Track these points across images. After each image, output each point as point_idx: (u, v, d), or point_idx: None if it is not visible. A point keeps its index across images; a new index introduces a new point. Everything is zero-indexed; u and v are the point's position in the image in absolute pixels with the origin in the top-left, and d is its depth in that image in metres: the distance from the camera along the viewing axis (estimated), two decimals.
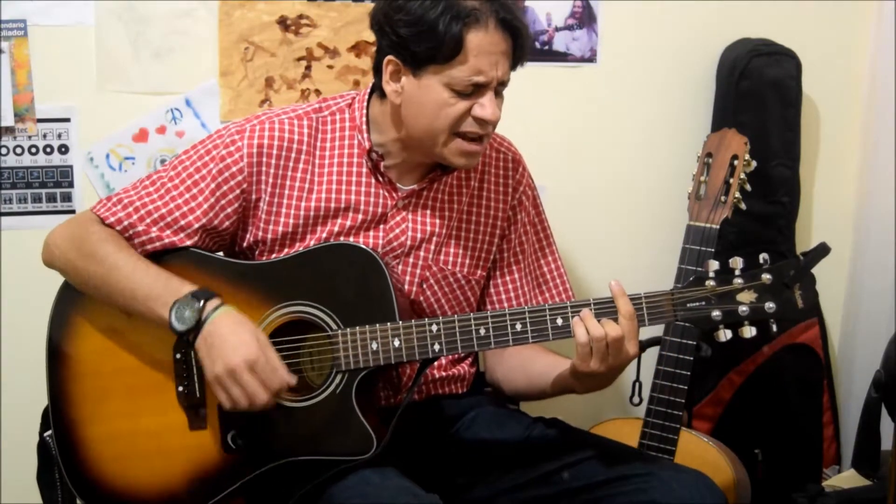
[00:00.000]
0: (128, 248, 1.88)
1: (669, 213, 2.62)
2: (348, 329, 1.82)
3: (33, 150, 2.46)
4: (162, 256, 1.91)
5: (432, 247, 1.99)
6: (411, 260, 1.98)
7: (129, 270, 1.84)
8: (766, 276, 1.70)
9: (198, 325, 1.77)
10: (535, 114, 2.63)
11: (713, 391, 2.72)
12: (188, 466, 1.86)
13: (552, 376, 1.91)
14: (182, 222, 1.90)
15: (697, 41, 2.71)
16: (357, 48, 2.55)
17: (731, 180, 2.29)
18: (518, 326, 1.77)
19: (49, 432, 1.94)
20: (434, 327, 1.79)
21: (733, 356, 2.71)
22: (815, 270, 1.72)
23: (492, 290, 2.09)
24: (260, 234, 1.94)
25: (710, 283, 1.72)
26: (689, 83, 2.73)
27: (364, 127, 1.94)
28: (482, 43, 1.79)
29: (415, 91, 1.84)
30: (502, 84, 1.86)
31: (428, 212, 1.99)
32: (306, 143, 1.94)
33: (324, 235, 1.94)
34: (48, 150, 2.46)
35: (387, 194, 1.96)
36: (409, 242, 1.97)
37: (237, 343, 1.76)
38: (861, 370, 2.76)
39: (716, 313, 1.72)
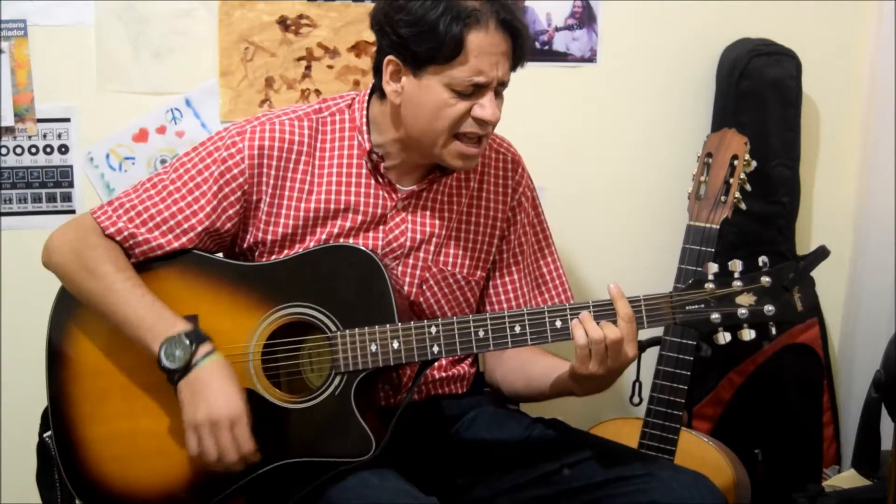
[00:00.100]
0: (126, 267, 1.87)
1: (669, 213, 2.62)
2: (347, 331, 1.82)
3: (33, 150, 2.46)
4: (163, 258, 1.91)
5: (432, 248, 1.99)
6: (411, 261, 1.98)
7: (125, 295, 1.83)
8: (766, 279, 1.70)
9: (186, 368, 1.78)
10: (535, 114, 2.63)
11: (713, 391, 2.72)
12: (188, 467, 1.86)
13: (551, 378, 1.91)
14: (185, 225, 1.90)
15: (697, 41, 2.71)
16: (357, 48, 2.55)
17: (731, 180, 2.29)
18: (517, 328, 1.77)
19: (48, 433, 1.94)
20: (433, 329, 1.79)
21: (733, 356, 2.71)
22: (815, 270, 1.72)
23: (491, 292, 2.09)
24: (260, 234, 1.94)
25: (710, 285, 1.72)
26: (689, 83, 2.73)
27: (364, 128, 1.94)
28: (483, 43, 1.79)
29: (415, 91, 1.84)
30: (502, 85, 1.86)
31: (427, 213, 1.99)
32: (306, 144, 1.94)
33: (323, 237, 1.94)
34: (48, 150, 2.47)
35: (386, 195, 1.96)
36: (408, 243, 1.97)
37: (224, 397, 1.77)
38: (861, 370, 2.76)
39: (715, 316, 1.72)
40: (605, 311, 1.74)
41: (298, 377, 1.89)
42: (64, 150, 2.47)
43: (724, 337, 1.73)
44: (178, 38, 2.48)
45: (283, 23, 2.51)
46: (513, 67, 1.87)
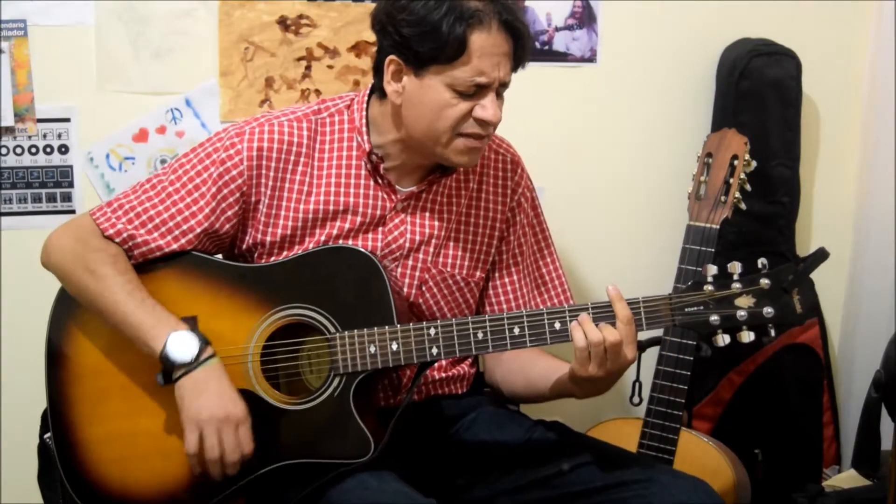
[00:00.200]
0: (125, 270, 1.87)
1: (669, 213, 2.62)
2: (346, 332, 1.82)
3: (33, 150, 2.46)
4: (162, 260, 1.91)
5: (431, 249, 1.99)
6: (410, 262, 1.98)
7: (125, 298, 1.83)
8: (765, 281, 1.70)
9: (192, 364, 1.78)
10: (535, 114, 2.63)
11: (713, 391, 2.72)
12: (187, 468, 1.86)
13: (551, 380, 1.90)
14: (184, 226, 1.90)
15: (697, 41, 2.71)
16: (357, 48, 2.55)
17: (731, 180, 2.29)
18: (516, 330, 1.77)
19: (48, 434, 1.94)
20: (432, 331, 1.79)
21: (733, 356, 2.71)
22: (815, 271, 1.72)
23: (490, 293, 2.09)
24: (259, 236, 1.94)
25: (709, 287, 1.72)
26: (689, 83, 2.73)
27: (364, 129, 1.94)
28: (485, 44, 1.79)
29: (416, 91, 1.84)
30: (503, 85, 1.86)
31: (427, 214, 1.99)
32: (305, 145, 1.94)
33: (322, 238, 1.94)
34: (48, 150, 2.47)
35: (386, 196, 1.96)
36: (407, 245, 1.97)
37: (230, 397, 1.79)
38: (861, 370, 2.76)
39: (714, 318, 1.71)
40: (603, 313, 1.74)
41: (297, 378, 1.89)
42: (64, 150, 2.47)
43: (723, 339, 1.73)
44: (178, 38, 2.48)
45: (283, 23, 2.51)
46: (514, 68, 1.87)
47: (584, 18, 2.65)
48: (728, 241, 2.65)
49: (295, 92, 2.54)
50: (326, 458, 1.80)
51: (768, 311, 1.70)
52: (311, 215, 1.93)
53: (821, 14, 2.75)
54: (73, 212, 2.47)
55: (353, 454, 1.79)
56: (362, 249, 1.86)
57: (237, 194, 1.91)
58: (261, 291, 1.87)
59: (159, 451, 1.87)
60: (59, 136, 2.46)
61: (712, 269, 1.72)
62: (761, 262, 1.72)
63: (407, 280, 1.98)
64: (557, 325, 1.75)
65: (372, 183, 1.95)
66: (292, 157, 1.93)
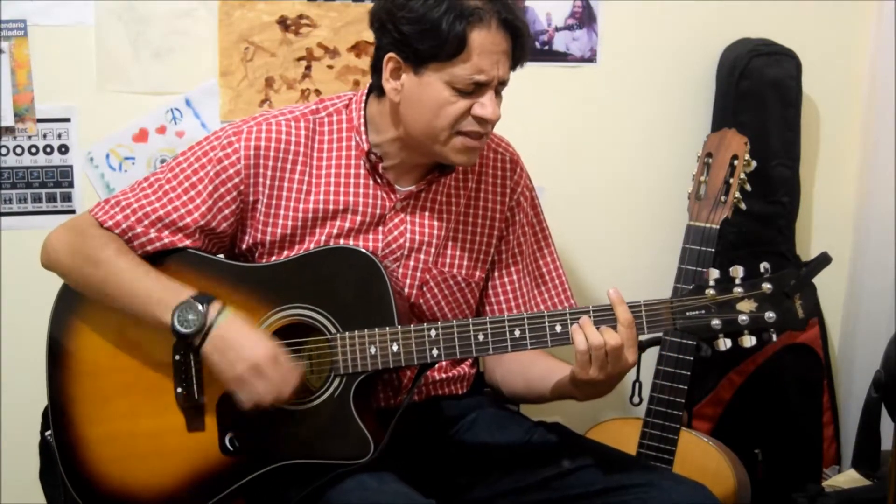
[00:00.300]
0: (126, 251, 1.88)
1: (669, 213, 2.62)
2: (347, 333, 1.82)
3: (33, 150, 2.46)
4: (161, 258, 1.91)
5: (432, 249, 1.99)
6: (411, 263, 1.98)
7: (128, 275, 1.84)
8: (767, 286, 1.70)
9: (202, 330, 1.77)
10: (535, 114, 2.63)
11: (713, 391, 2.72)
12: (186, 468, 1.86)
13: (551, 382, 1.90)
14: (180, 224, 1.90)
15: (697, 41, 2.71)
16: (357, 48, 2.55)
17: (731, 180, 2.29)
18: (517, 332, 1.76)
19: (49, 432, 1.94)
20: (433, 332, 1.79)
21: (733, 356, 2.67)
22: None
23: (490, 292, 2.09)
24: (259, 235, 1.94)
25: (710, 291, 1.71)
26: (689, 83, 2.73)
27: (362, 128, 1.94)
28: (485, 42, 1.79)
29: (415, 89, 1.84)
30: (502, 84, 1.86)
31: (426, 213, 1.99)
32: (303, 144, 1.94)
33: (323, 238, 1.94)
34: (48, 150, 2.46)
35: (385, 196, 1.96)
36: (407, 244, 1.97)
37: (253, 341, 1.77)
38: (861, 370, 2.76)
39: (715, 322, 1.71)
40: (605, 316, 1.74)
41: None
42: (64, 150, 2.47)
43: (724, 343, 1.72)
44: (178, 38, 2.48)
45: (283, 23, 2.51)
46: (513, 67, 1.87)
47: (584, 18, 2.65)
48: (728, 241, 2.65)
49: (295, 92, 2.54)
50: (326, 459, 1.80)
51: (770, 315, 1.70)
52: (310, 214, 1.93)
53: (821, 14, 2.75)
54: (72, 212, 2.47)
55: (353, 455, 1.79)
56: (363, 250, 1.86)
57: (234, 193, 1.91)
58: (262, 291, 1.87)
59: (158, 451, 1.88)
60: (59, 136, 2.46)
61: (714, 273, 1.72)
62: (763, 266, 1.71)
63: (408, 280, 1.98)
64: (558, 328, 1.75)
65: (371, 182, 1.95)
66: (290, 157, 1.93)
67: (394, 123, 1.91)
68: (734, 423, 2.70)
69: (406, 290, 1.98)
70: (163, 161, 2.49)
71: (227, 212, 1.92)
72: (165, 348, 1.86)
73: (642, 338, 1.79)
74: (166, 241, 1.90)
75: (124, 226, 1.89)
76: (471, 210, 2.04)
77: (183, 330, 1.78)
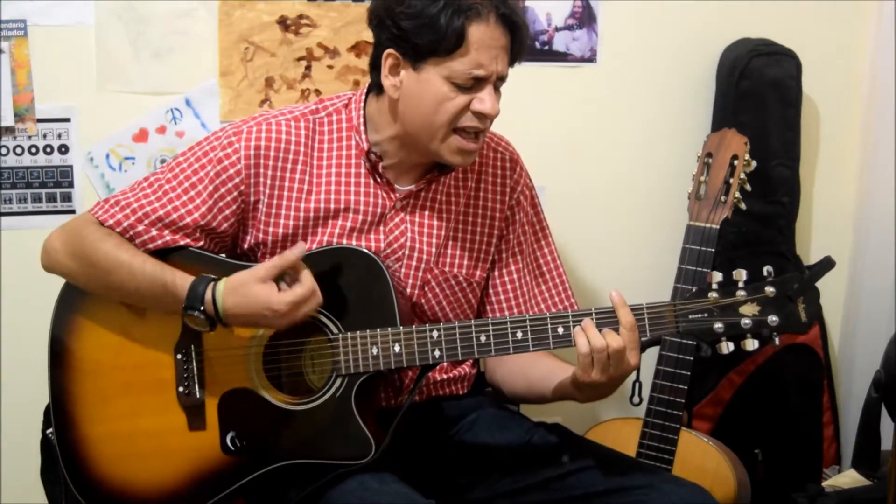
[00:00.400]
0: (124, 244, 1.88)
1: (669, 213, 2.62)
2: (349, 333, 1.82)
3: (33, 150, 2.46)
4: (164, 256, 1.90)
5: (433, 249, 1.99)
6: (413, 263, 1.98)
7: (127, 270, 1.84)
8: (770, 289, 1.70)
9: (217, 317, 1.79)
10: (535, 114, 2.63)
11: (713, 391, 2.72)
12: (187, 467, 1.86)
13: (552, 383, 1.90)
14: (180, 224, 1.90)
15: (697, 41, 2.71)
16: (357, 48, 2.55)
17: (731, 180, 2.29)
18: (519, 334, 1.76)
19: (51, 429, 1.94)
20: (435, 333, 1.79)
21: (733, 356, 2.69)
22: None
23: (490, 291, 2.09)
24: (260, 235, 1.94)
25: (713, 294, 1.71)
26: (689, 83, 2.73)
27: (361, 127, 1.94)
28: (483, 37, 1.80)
29: (414, 85, 1.84)
30: (501, 79, 1.87)
31: (426, 213, 1.99)
32: (304, 144, 1.94)
33: (325, 238, 1.94)
34: (48, 150, 2.46)
35: (385, 195, 1.96)
36: (408, 244, 1.97)
37: (259, 280, 1.77)
38: (861, 370, 2.76)
39: (718, 325, 1.71)
40: (607, 319, 1.74)
41: (299, 378, 1.89)
42: (64, 150, 2.47)
43: (727, 346, 1.73)
44: (178, 38, 2.48)
45: (283, 23, 2.51)
46: (511, 63, 1.87)
47: (584, 18, 2.65)
48: (728, 241, 2.65)
49: (295, 92, 2.54)
50: (327, 459, 1.81)
51: (773, 319, 1.70)
52: (311, 214, 1.93)
53: (821, 14, 2.75)
54: (72, 212, 2.47)
55: (354, 455, 1.79)
56: (366, 250, 1.87)
57: (234, 193, 1.91)
58: None
59: (159, 450, 1.88)
60: (59, 136, 2.46)
61: (717, 276, 1.72)
62: (767, 269, 1.71)
63: (410, 280, 1.98)
64: (561, 330, 1.75)
65: (371, 181, 1.95)
66: (290, 157, 1.93)
67: (392, 121, 1.91)
68: (734, 423, 2.70)
69: (408, 289, 1.98)
70: (163, 161, 2.48)
71: (227, 212, 1.92)
72: (167, 347, 1.87)
73: (642, 339, 1.79)
74: (167, 239, 1.90)
75: (125, 224, 1.89)
76: (471, 209, 2.04)
77: (203, 329, 1.81)
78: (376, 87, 1.92)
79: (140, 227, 1.89)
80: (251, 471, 1.84)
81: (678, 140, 2.72)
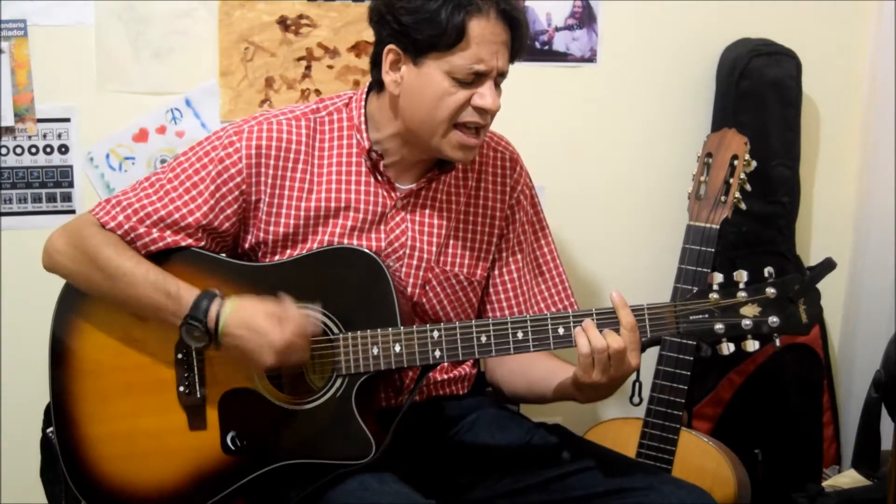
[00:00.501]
0: (126, 250, 1.88)
1: (669, 213, 2.62)
2: (350, 333, 1.82)
3: (33, 150, 2.46)
4: (164, 257, 1.90)
5: (434, 248, 1.99)
6: (414, 262, 1.98)
7: (129, 279, 1.84)
8: (771, 290, 1.69)
9: (215, 336, 1.79)
10: (535, 114, 2.63)
11: (713, 391, 2.72)
12: (188, 466, 1.86)
13: (553, 383, 1.90)
14: (182, 223, 1.90)
15: (697, 41, 2.71)
16: (357, 48, 2.55)
17: (731, 180, 2.29)
18: (519, 335, 1.77)
19: (51, 429, 1.94)
20: (435, 334, 1.79)
21: (733, 356, 2.69)
22: None
23: (491, 290, 2.09)
24: (261, 234, 1.94)
25: (714, 295, 1.71)
26: (689, 83, 2.73)
27: (363, 126, 1.95)
28: (484, 32, 1.80)
29: (415, 80, 1.84)
30: (501, 75, 1.87)
31: (427, 212, 1.99)
32: (305, 143, 1.94)
33: (326, 237, 1.94)
34: (48, 150, 2.46)
35: (385, 194, 1.96)
36: (409, 243, 1.97)
37: (264, 311, 1.77)
38: (861, 370, 2.77)
39: (718, 326, 1.71)
40: (607, 319, 1.74)
41: (300, 378, 1.89)
42: (64, 150, 2.47)
43: (727, 347, 1.72)
44: (178, 38, 2.48)
45: (283, 23, 2.51)
46: (511, 59, 1.87)
47: (584, 18, 2.65)
48: (728, 241, 2.65)
49: (295, 92, 2.54)
50: (327, 459, 1.81)
51: (773, 320, 1.70)
52: (312, 213, 1.93)
53: (821, 14, 2.75)
54: (72, 212, 2.47)
55: (354, 455, 1.79)
56: (366, 250, 1.87)
57: (236, 192, 1.91)
58: (265, 291, 1.85)
59: (160, 450, 1.88)
60: (59, 136, 2.46)
61: (718, 277, 1.72)
62: (768, 270, 1.71)
63: (411, 280, 1.98)
64: (561, 331, 1.75)
65: (372, 180, 1.95)
66: (291, 156, 1.93)
67: (393, 118, 1.91)
68: (734, 423, 2.70)
69: (409, 289, 1.98)
70: (163, 161, 2.48)
71: (228, 211, 1.92)
72: (168, 347, 1.87)
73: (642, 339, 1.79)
74: (169, 240, 1.90)
75: (126, 227, 1.89)
76: (471, 208, 2.04)
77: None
78: (377, 85, 1.93)
79: (141, 229, 1.89)
80: (251, 470, 1.84)
81: (678, 140, 2.72)
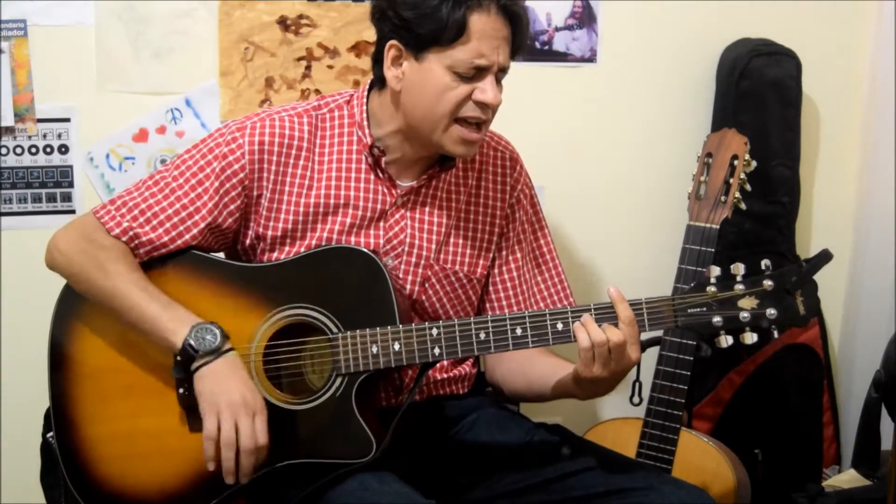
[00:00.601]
0: (136, 268, 1.88)
1: (669, 213, 2.62)
2: (349, 332, 1.82)
3: (33, 150, 2.46)
4: (163, 260, 1.91)
5: (433, 246, 1.99)
6: (413, 259, 1.98)
7: (139, 294, 1.84)
8: (768, 283, 1.70)
9: (214, 353, 1.79)
10: (535, 114, 2.64)
11: (713, 391, 2.72)
12: (188, 468, 1.86)
13: (552, 380, 1.91)
14: (188, 222, 1.90)
15: (697, 41, 2.71)
16: (357, 48, 2.55)
17: (731, 180, 2.29)
18: (518, 331, 1.77)
19: (51, 433, 1.94)
20: (434, 331, 1.79)
21: (733, 356, 2.71)
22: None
23: (490, 288, 2.09)
24: (260, 230, 1.94)
25: (712, 288, 1.71)
26: (689, 83, 2.73)
27: (364, 122, 1.95)
28: (485, 27, 1.80)
29: (416, 76, 1.85)
30: (502, 71, 1.87)
31: (427, 209, 1.99)
32: (306, 139, 1.94)
33: (325, 234, 1.94)
34: (48, 150, 2.46)
35: (386, 191, 1.96)
36: (408, 240, 1.97)
37: (249, 387, 1.79)
38: (861, 370, 2.77)
39: (717, 319, 1.71)
40: (606, 314, 1.74)
41: (300, 378, 1.89)
42: (64, 150, 2.47)
43: (725, 340, 1.72)
44: (178, 38, 2.48)
45: (283, 23, 2.51)
46: (512, 55, 1.88)
47: (584, 18, 2.65)
48: (728, 241, 2.65)
49: (295, 92, 2.54)
50: (328, 459, 1.80)
51: (771, 312, 1.70)
52: (311, 209, 1.93)
53: (821, 14, 2.75)
54: (73, 212, 2.47)
55: (354, 454, 1.79)
56: (364, 249, 1.87)
57: (239, 188, 1.91)
58: (263, 291, 1.87)
59: (160, 451, 1.88)
60: (59, 136, 2.46)
61: (715, 271, 1.72)
62: (765, 263, 1.71)
63: (410, 277, 1.98)
64: (560, 326, 1.75)
65: (372, 177, 1.96)
66: (293, 152, 1.93)
67: (395, 114, 1.91)
68: (734, 423, 2.70)
69: (408, 286, 1.98)
70: (163, 161, 2.49)
71: (232, 207, 1.92)
72: (167, 349, 1.86)
73: (643, 337, 1.79)
74: (171, 246, 1.90)
75: (131, 233, 1.89)
76: (471, 207, 2.04)
77: (197, 346, 1.79)
78: (378, 82, 1.93)
79: (145, 236, 1.89)
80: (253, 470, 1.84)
81: (678, 140, 2.72)
